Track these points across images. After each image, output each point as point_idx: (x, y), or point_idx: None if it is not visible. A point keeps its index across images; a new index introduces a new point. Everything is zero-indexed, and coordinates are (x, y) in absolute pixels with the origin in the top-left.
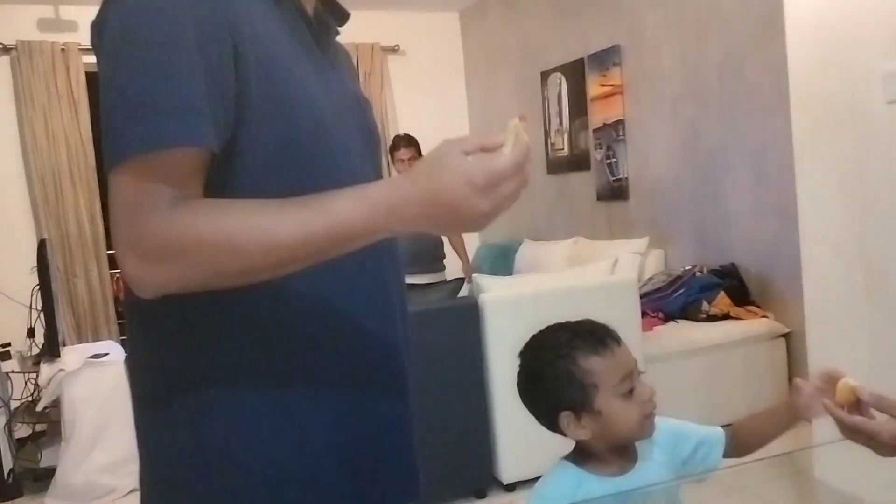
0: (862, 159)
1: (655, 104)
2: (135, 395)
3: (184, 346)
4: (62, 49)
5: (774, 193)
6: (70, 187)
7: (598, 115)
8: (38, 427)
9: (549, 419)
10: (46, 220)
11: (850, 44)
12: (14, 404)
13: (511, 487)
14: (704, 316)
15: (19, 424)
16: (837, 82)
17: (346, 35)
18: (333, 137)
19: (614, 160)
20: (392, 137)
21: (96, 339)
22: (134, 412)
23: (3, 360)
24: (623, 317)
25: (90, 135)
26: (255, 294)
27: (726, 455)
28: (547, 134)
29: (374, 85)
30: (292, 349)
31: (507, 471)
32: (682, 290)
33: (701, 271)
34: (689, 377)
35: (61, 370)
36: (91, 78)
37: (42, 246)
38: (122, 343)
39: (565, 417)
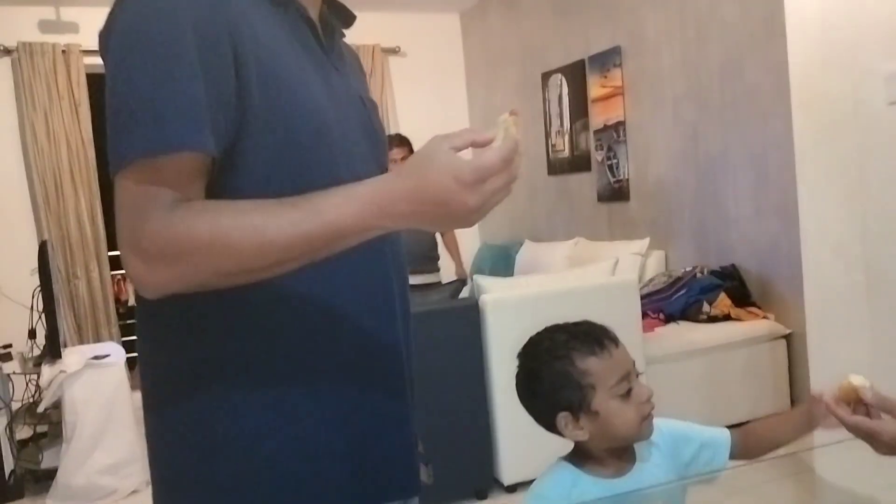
0: (863, 161)
1: (656, 105)
2: (142, 394)
3: (186, 345)
4: (63, 50)
5: (775, 194)
6: (71, 188)
7: (599, 117)
8: (39, 428)
9: (547, 420)
10: (47, 221)
11: (851, 45)
12: (15, 406)
13: (512, 489)
14: (705, 317)
15: (20, 426)
16: (838, 83)
17: (347, 36)
18: (335, 139)
19: (615, 161)
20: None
21: (97, 340)
22: (143, 411)
23: (4, 361)
24: (624, 318)
25: (91, 136)
26: (256, 294)
27: (733, 457)
28: (548, 135)
29: (375, 86)
30: (293, 348)
31: (508, 472)
32: (682, 292)
33: (702, 272)
34: (689, 378)
35: (62, 371)
36: (92, 79)
37: (43, 248)
38: (123, 344)
39: (563, 418)
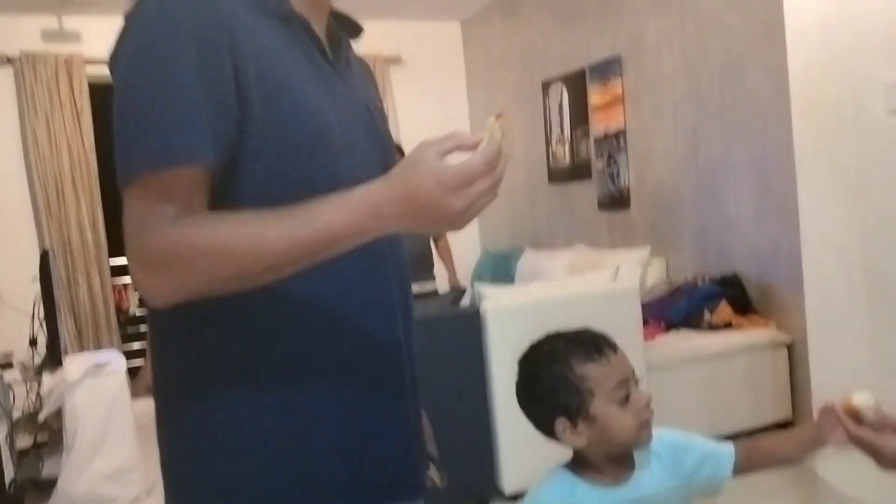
0: (863, 167)
1: (656, 114)
2: (154, 397)
3: (187, 349)
4: (66, 60)
5: (776, 201)
6: (73, 196)
7: (600, 125)
8: (40, 437)
9: (545, 426)
10: (49, 228)
11: (851, 51)
12: (15, 414)
13: (513, 497)
14: (706, 325)
15: (21, 434)
16: (839, 89)
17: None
18: (337, 144)
19: (615, 169)
20: None
21: (98, 347)
22: (155, 414)
23: (4, 369)
24: (625, 325)
25: (93, 144)
26: (257, 297)
27: (736, 471)
28: (548, 143)
29: None
30: (293, 349)
31: (510, 480)
32: (683, 299)
33: (702, 280)
34: (690, 386)
35: (63, 380)
36: (94, 88)
37: (45, 256)
38: (124, 352)
39: (561, 423)
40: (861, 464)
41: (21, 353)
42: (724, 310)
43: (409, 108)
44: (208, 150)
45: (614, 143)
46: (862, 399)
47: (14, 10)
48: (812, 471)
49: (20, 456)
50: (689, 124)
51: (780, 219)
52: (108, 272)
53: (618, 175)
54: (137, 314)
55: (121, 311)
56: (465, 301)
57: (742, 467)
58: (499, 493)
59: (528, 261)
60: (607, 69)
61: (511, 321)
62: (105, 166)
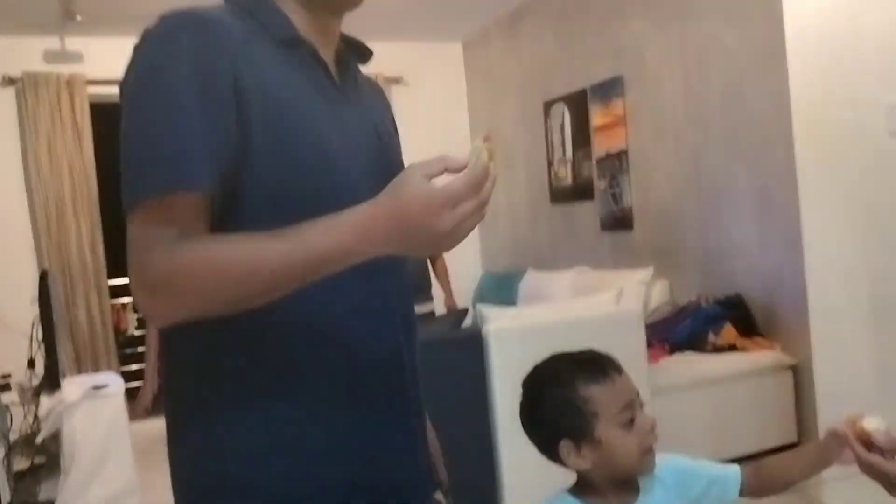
0: (866, 189)
1: (658, 134)
2: (164, 412)
3: (191, 372)
4: (67, 80)
5: (779, 223)
6: (72, 216)
7: (602, 146)
8: (37, 460)
9: (549, 448)
10: (48, 249)
11: (852, 73)
12: (13, 437)
13: None
14: (710, 347)
15: (17, 457)
16: (840, 112)
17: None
18: (339, 168)
19: (618, 190)
20: None
21: (96, 369)
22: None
23: (2, 391)
24: (629, 347)
25: (93, 164)
26: (257, 316)
27: (742, 494)
28: (550, 163)
29: None
30: (297, 373)
31: (512, 503)
32: (687, 321)
33: (706, 301)
34: (695, 409)
35: (61, 402)
36: (95, 108)
37: (44, 276)
38: (122, 374)
39: (565, 446)
40: (868, 491)
41: (19, 374)
42: (729, 332)
43: (411, 129)
44: (205, 178)
45: (616, 163)
46: (873, 423)
47: (17, 30)
48: (818, 499)
49: (17, 478)
50: (690, 145)
51: (783, 240)
52: (106, 293)
53: (620, 195)
54: (136, 334)
55: (119, 331)
56: (467, 322)
57: (748, 489)
58: None
59: (530, 282)
60: (609, 90)
61: (514, 343)
62: (105, 187)
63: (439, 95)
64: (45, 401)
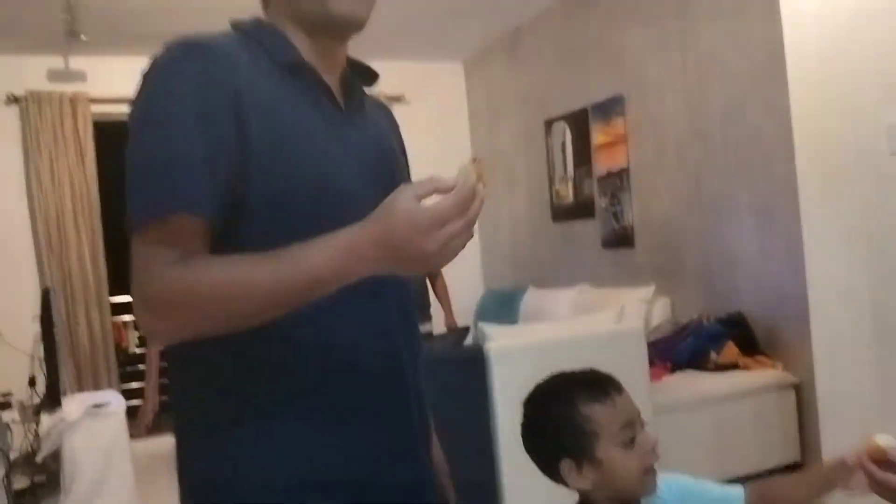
0: (868, 207)
1: (659, 152)
2: (173, 429)
3: (197, 388)
4: (71, 99)
5: (780, 241)
6: (74, 234)
7: (603, 164)
8: (37, 478)
9: (550, 468)
10: (50, 267)
11: (853, 91)
12: (13, 455)
13: None
14: (713, 365)
15: (18, 475)
16: (841, 130)
17: None
18: (340, 189)
19: (619, 208)
20: None
21: (97, 387)
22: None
23: (3, 409)
24: (630, 366)
25: (96, 182)
26: (265, 339)
27: None
28: (551, 181)
29: None
30: (301, 389)
31: None
32: (689, 339)
33: (708, 320)
34: (697, 428)
35: (62, 420)
36: (98, 127)
37: (46, 295)
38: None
39: (566, 465)
40: None
41: (20, 392)
42: (731, 350)
43: (412, 147)
44: (206, 201)
45: (617, 181)
46: (886, 440)
47: (21, 49)
48: None
49: (17, 497)
50: (692, 163)
51: (785, 258)
52: (108, 311)
53: (621, 213)
54: (137, 352)
55: (120, 349)
56: (468, 341)
57: None
58: None
59: (532, 300)
60: (610, 108)
61: (515, 362)
62: (107, 205)
63: (440, 114)
64: (46, 419)
